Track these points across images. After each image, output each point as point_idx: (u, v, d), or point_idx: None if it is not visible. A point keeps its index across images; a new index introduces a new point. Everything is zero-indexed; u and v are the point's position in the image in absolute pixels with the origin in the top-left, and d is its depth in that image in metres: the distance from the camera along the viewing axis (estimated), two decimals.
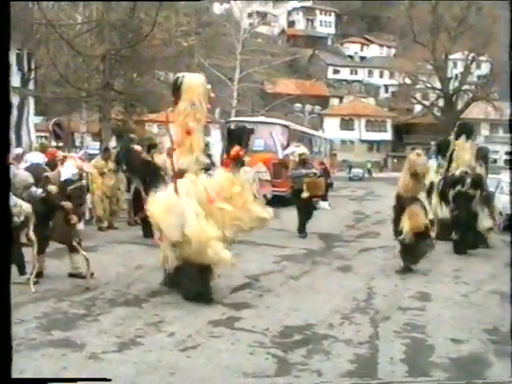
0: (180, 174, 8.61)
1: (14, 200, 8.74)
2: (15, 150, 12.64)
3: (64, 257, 9.76)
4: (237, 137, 10.12)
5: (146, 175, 13.75)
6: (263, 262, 11.89)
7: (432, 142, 17.45)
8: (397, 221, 11.52)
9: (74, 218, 9.31)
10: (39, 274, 9.17)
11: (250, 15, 69.64)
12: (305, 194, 15.32)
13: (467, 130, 14.87)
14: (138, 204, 14.27)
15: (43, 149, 13.62)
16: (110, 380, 4.39)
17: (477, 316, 8.22)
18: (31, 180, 9.47)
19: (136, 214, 14.48)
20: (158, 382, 5.48)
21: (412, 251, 11.29)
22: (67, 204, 9.22)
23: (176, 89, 8.68)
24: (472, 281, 10.64)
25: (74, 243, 9.38)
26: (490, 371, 6.13)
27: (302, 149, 16.99)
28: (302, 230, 15.37)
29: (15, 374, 5.41)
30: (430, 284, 10.28)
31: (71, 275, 9.55)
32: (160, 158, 16.87)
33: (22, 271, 9.04)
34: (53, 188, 9.19)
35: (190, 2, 34.44)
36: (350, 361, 6.21)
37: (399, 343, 6.88)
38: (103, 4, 23.22)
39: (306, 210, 15.49)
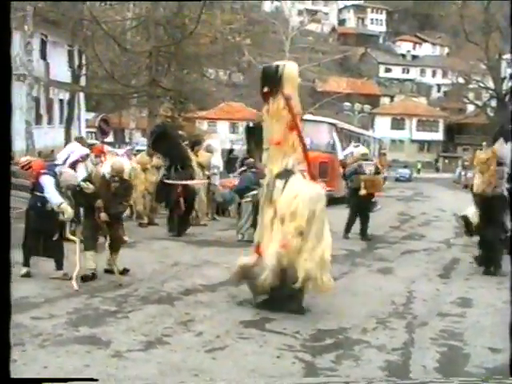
0: (285, 175, 7.91)
1: (58, 198, 8.86)
2: (82, 151, 12.71)
3: (100, 253, 9.65)
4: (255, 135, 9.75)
5: (177, 160, 14.05)
6: None
7: (484, 143, 16.92)
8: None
9: (103, 216, 9.12)
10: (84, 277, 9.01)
11: (300, 13, 69.32)
12: (362, 192, 15.04)
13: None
14: (161, 194, 14.44)
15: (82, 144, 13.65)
16: (96, 380, 4.46)
17: None
18: (74, 181, 9.33)
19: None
20: (181, 383, 5.36)
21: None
22: (98, 203, 9.08)
23: (275, 79, 7.82)
24: None
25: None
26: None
27: (364, 148, 16.85)
28: (347, 231, 15.09)
29: (39, 370, 5.41)
30: (472, 289, 9.95)
31: (106, 271, 9.51)
32: (204, 156, 16.89)
33: (59, 266, 9.11)
34: (86, 186, 9.08)
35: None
36: (380, 367, 6.00)
37: (434, 351, 6.62)
38: (152, 2, 23.33)
39: (363, 211, 15.14)
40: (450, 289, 9.93)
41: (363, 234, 15.04)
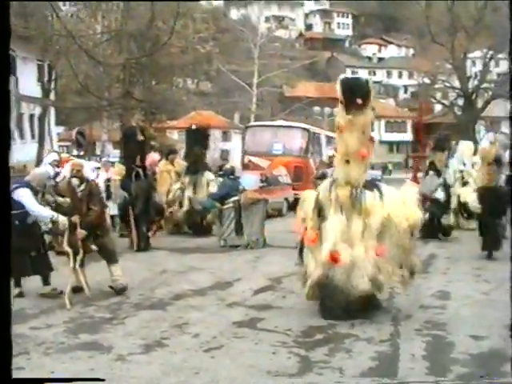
0: (373, 185, 8.14)
1: (47, 211, 8.85)
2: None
3: (89, 264, 9.59)
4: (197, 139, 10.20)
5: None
6: (285, 265, 11.92)
7: (453, 142, 17.56)
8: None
9: (81, 234, 8.81)
10: (76, 289, 8.89)
11: (267, 19, 69.86)
12: None
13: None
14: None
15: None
16: (103, 380, 4.56)
17: (497, 313, 8.21)
18: (45, 178, 9.45)
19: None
20: (184, 382, 5.62)
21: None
22: (74, 219, 8.75)
23: (366, 92, 7.84)
24: (493, 279, 10.63)
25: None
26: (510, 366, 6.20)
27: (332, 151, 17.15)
28: None
29: (47, 375, 5.64)
30: (450, 283, 10.32)
31: (111, 288, 9.22)
32: (180, 165, 17.14)
33: (45, 281, 9.01)
34: (62, 200, 9.10)
35: (205, 8, 34.68)
36: (371, 358, 6.32)
37: (420, 341, 6.96)
38: (122, 14, 23.53)
39: None
40: (430, 283, 10.28)
41: None
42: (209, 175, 16.66)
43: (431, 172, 15.85)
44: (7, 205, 3.88)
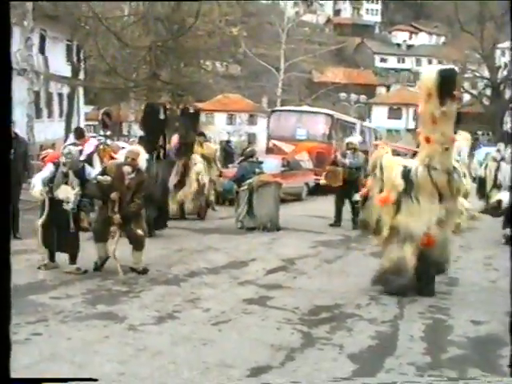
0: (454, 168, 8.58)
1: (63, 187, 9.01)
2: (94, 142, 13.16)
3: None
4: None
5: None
6: (300, 247, 12.32)
7: (479, 132, 17.56)
8: None
9: (117, 219, 8.98)
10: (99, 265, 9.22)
11: (295, 4, 69.69)
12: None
13: None
14: None
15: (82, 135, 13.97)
16: (96, 380, 4.67)
17: (501, 300, 8.44)
18: (76, 158, 9.45)
19: None
20: (191, 351, 5.97)
21: None
22: (113, 196, 8.93)
23: (456, 83, 8.39)
24: (503, 267, 10.81)
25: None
26: (505, 350, 6.43)
27: (351, 137, 17.31)
28: (335, 219, 15.58)
29: (62, 341, 6.03)
30: (460, 270, 10.52)
31: (132, 269, 9.29)
32: (210, 148, 17.33)
33: (72, 260, 9.18)
34: (103, 179, 8.96)
35: None
36: (370, 337, 6.62)
37: (421, 323, 7.25)
38: None
39: (341, 200, 15.49)
40: None
41: (353, 221, 15.13)
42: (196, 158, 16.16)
43: None
44: (7, 199, 3.83)
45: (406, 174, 8.53)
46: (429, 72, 8.34)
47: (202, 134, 18.02)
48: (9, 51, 3.84)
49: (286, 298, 8.19)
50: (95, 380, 4.69)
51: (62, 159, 9.16)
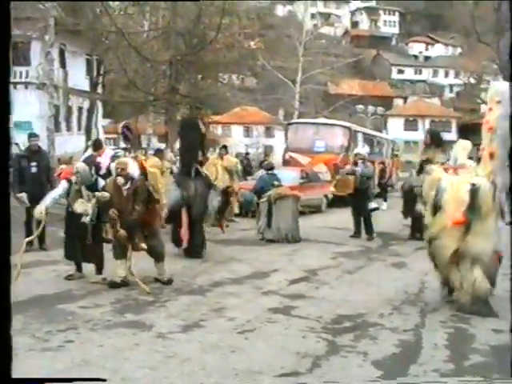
0: None
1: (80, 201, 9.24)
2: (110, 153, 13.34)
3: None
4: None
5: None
6: (321, 258, 12.45)
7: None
8: None
9: (122, 235, 8.96)
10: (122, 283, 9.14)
11: (312, 16, 69.98)
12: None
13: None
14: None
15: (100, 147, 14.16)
16: (105, 380, 4.81)
17: None
18: (87, 174, 9.58)
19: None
20: (219, 358, 6.12)
21: None
22: (111, 215, 8.95)
23: None
24: None
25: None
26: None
27: (359, 148, 17.37)
28: (355, 230, 15.63)
29: (93, 348, 6.20)
30: None
31: (157, 280, 9.50)
32: (230, 161, 17.50)
33: (98, 270, 9.41)
34: (100, 195, 9.08)
35: (251, 5, 35.14)
36: (394, 345, 6.73)
37: (443, 332, 7.35)
38: (170, 11, 24.17)
39: (361, 210, 15.50)
40: None
41: (367, 231, 15.41)
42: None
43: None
44: (7, 204, 3.86)
45: (475, 193, 8.33)
46: (499, 87, 8.36)
47: (225, 147, 18.15)
48: (8, 51, 3.85)
49: (310, 307, 8.32)
50: (103, 380, 4.83)
51: (73, 178, 9.43)
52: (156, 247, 9.38)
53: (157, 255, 9.44)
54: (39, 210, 9.14)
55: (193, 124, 13.14)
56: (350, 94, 66.30)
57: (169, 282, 9.41)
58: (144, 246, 9.17)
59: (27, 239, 9.16)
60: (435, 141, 14.02)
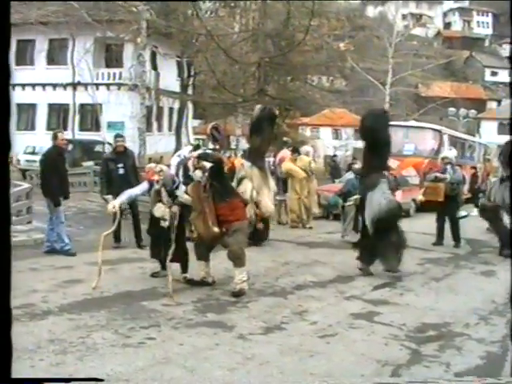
0: None
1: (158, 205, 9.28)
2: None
3: (217, 250, 9.74)
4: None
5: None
6: (407, 264, 12.12)
7: None
8: None
9: (214, 230, 8.76)
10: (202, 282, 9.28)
11: (404, 17, 68.91)
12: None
13: None
14: None
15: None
16: (102, 380, 4.80)
17: None
18: (170, 178, 9.57)
19: None
20: (298, 362, 6.08)
21: None
22: (173, 208, 9.12)
23: None
24: None
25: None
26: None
27: (447, 152, 16.91)
28: (437, 238, 15.08)
29: (174, 347, 6.28)
30: None
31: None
32: (303, 160, 17.27)
33: (184, 269, 9.48)
34: (182, 199, 9.18)
35: (342, 6, 34.93)
36: (479, 357, 6.50)
37: None
38: (259, 13, 24.32)
39: (441, 217, 14.98)
40: None
41: (454, 238, 14.85)
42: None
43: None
44: (7, 204, 3.80)
45: None
46: None
47: (296, 150, 17.79)
48: (8, 51, 3.79)
49: (393, 314, 8.16)
50: (100, 380, 4.85)
51: (155, 176, 9.46)
52: (233, 250, 8.84)
53: (233, 258, 8.89)
54: (112, 205, 9.22)
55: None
56: (442, 97, 64.78)
57: (238, 294, 8.70)
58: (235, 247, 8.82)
59: (104, 233, 9.27)
60: None
